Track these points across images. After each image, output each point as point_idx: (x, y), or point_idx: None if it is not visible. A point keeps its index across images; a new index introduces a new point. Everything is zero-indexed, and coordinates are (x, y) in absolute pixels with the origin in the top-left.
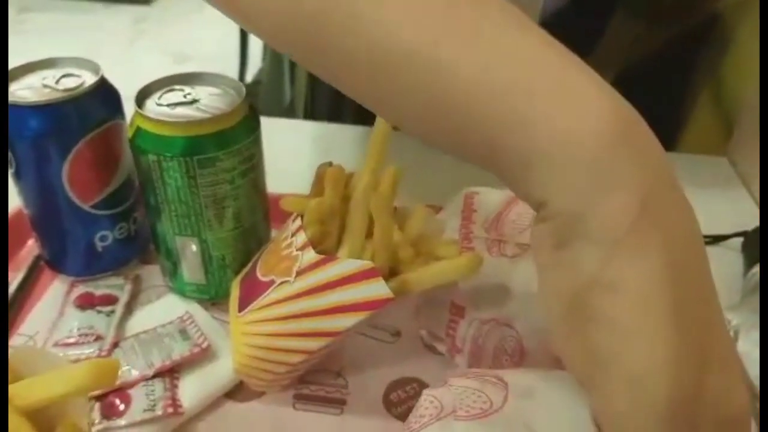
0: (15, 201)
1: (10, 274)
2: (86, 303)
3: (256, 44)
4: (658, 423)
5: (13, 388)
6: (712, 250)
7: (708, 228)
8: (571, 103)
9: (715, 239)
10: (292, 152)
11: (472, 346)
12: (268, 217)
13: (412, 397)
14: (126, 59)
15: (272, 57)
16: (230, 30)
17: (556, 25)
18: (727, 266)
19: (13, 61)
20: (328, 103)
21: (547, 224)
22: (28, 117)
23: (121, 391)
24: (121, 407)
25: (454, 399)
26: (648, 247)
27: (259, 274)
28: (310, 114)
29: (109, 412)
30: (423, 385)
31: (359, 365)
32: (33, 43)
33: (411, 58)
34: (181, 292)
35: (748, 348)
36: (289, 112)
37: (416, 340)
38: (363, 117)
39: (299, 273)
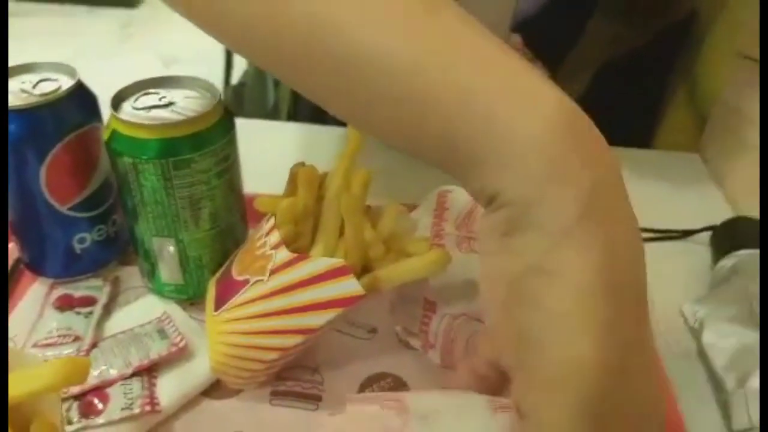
0: None
1: None
2: (65, 304)
3: None
4: (572, 418)
5: None
6: (681, 245)
7: (678, 223)
8: (525, 101)
9: (685, 233)
10: (274, 153)
11: (444, 341)
12: (246, 217)
13: (386, 392)
14: (113, 63)
15: None
16: None
17: (534, 25)
18: (695, 260)
19: None
20: (311, 105)
21: (497, 214)
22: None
23: (100, 390)
24: (100, 406)
25: (347, 426)
26: (592, 240)
27: (234, 273)
28: (293, 116)
29: (87, 411)
30: (398, 380)
31: (335, 361)
32: (19, 49)
33: (370, 59)
34: (160, 293)
35: (713, 339)
36: (273, 114)
37: (392, 337)
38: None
39: (273, 272)
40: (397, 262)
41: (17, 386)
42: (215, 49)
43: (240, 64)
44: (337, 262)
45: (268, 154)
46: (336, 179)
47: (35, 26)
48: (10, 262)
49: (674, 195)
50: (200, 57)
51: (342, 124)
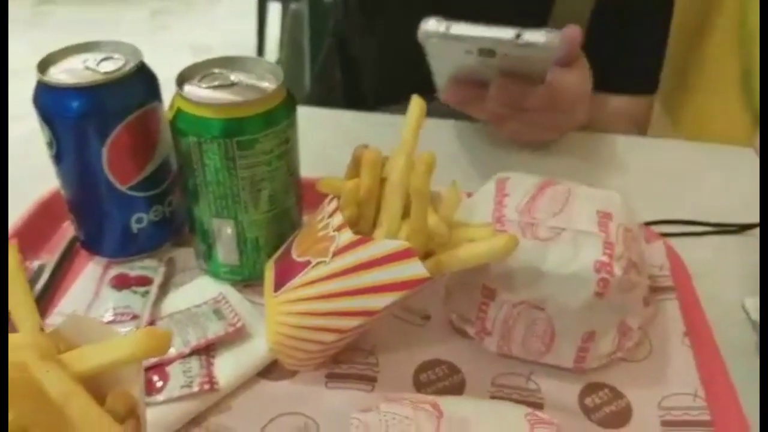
0: (53, 183)
1: (45, 257)
2: (121, 284)
3: (272, 36)
4: None
5: (67, 356)
6: (738, 239)
7: (734, 217)
8: None
9: (742, 228)
10: (316, 139)
11: (502, 329)
12: (301, 201)
13: (441, 379)
14: (145, 51)
15: (290, 48)
16: (247, 21)
17: None
18: (752, 253)
19: (32, 54)
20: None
21: None
22: (70, 98)
23: (159, 368)
24: (159, 384)
25: (380, 426)
26: None
27: (294, 255)
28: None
29: (148, 389)
30: (452, 367)
31: (390, 345)
32: (51, 36)
33: None
34: (215, 274)
35: None
36: (307, 102)
37: (445, 325)
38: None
39: (336, 253)
40: (462, 246)
41: (100, 356)
42: (246, 38)
43: (272, 53)
44: (402, 244)
45: (309, 139)
46: (399, 161)
47: (67, 14)
48: (67, 240)
49: (730, 188)
50: (231, 46)
51: (378, 104)
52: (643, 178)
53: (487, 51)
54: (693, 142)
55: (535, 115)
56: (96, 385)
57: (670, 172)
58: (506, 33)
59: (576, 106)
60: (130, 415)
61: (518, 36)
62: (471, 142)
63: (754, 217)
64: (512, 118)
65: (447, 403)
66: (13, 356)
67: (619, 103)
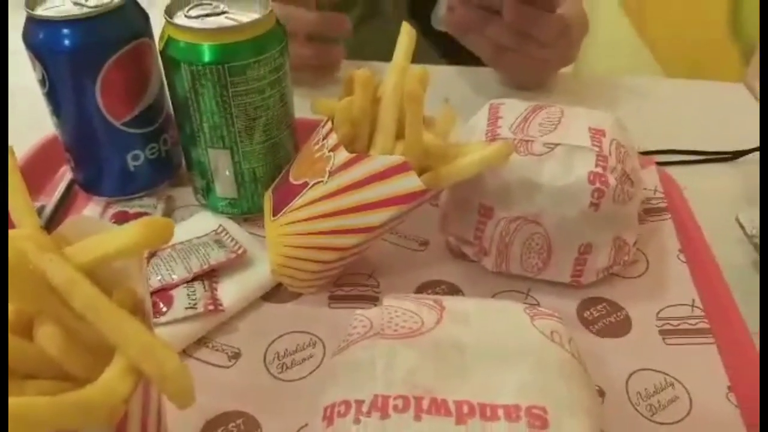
0: (49, 129)
1: (44, 199)
2: (121, 220)
3: None
4: None
5: (68, 250)
6: (732, 165)
7: (728, 145)
8: None
9: (735, 155)
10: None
11: (499, 246)
12: (296, 134)
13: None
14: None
15: None
16: None
17: None
18: (747, 178)
19: None
20: None
21: None
22: (62, 32)
23: (163, 292)
24: (164, 309)
25: (383, 318)
26: None
27: (291, 179)
28: None
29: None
30: (452, 287)
31: (390, 269)
32: None
33: None
34: (214, 208)
35: None
36: None
37: (443, 249)
38: None
39: (332, 173)
40: (458, 159)
41: (100, 247)
42: None
43: None
44: (397, 159)
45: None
46: (392, 78)
47: None
48: (65, 183)
49: (723, 120)
50: None
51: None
52: (634, 116)
53: None
54: (682, 79)
55: (538, 49)
56: (99, 283)
57: (660, 109)
58: None
59: (580, 39)
60: (136, 310)
61: None
62: (461, 86)
63: (747, 145)
64: (514, 50)
65: (449, 300)
66: (13, 245)
67: None
